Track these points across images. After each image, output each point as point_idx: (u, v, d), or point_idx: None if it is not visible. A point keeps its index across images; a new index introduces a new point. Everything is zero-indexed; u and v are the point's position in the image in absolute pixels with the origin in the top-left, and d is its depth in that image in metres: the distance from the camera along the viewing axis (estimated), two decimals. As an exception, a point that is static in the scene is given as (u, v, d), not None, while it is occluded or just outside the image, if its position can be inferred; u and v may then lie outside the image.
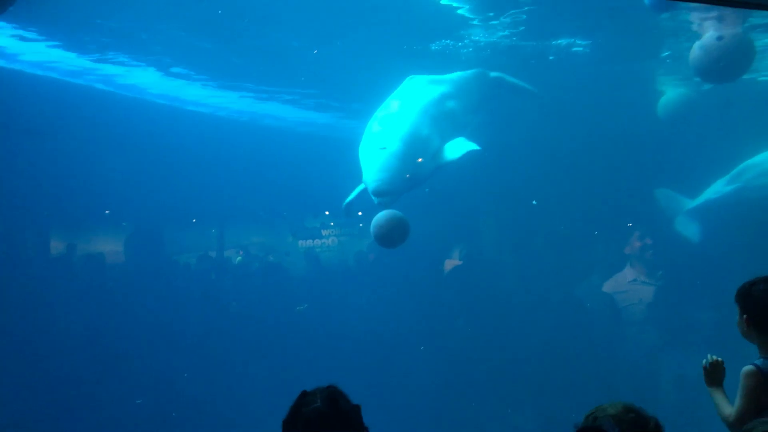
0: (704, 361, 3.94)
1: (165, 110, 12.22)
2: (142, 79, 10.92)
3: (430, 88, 9.26)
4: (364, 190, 8.79)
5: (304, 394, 2.76)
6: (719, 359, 3.91)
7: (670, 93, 10.79)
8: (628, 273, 10.49)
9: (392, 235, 8.17)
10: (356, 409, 2.78)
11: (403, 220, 8.22)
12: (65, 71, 10.36)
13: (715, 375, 3.92)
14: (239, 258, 13.15)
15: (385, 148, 8.34)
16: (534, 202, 10.65)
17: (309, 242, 13.40)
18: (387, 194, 8.17)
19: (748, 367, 3.75)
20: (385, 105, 9.05)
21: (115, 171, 10.44)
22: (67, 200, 10.24)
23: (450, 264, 11.17)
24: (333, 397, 2.74)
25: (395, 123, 8.65)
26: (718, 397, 3.90)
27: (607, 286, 10.51)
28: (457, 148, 8.69)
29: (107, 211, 11.09)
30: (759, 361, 3.76)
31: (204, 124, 12.80)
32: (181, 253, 12.52)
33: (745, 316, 3.90)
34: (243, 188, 11.85)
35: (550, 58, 9.94)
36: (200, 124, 12.67)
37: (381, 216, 8.17)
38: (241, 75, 10.98)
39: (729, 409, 3.81)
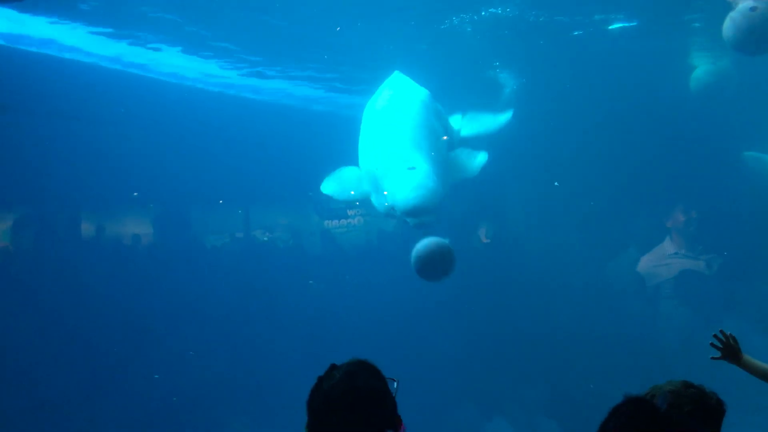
0: (716, 340, 3.92)
1: (194, 92, 12.27)
2: (172, 60, 10.98)
3: (422, 90, 9.08)
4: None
5: (331, 368, 2.63)
6: (728, 333, 3.90)
7: (703, 67, 10.60)
8: (668, 246, 10.38)
9: (437, 269, 7.77)
10: (380, 386, 2.59)
11: (448, 250, 7.80)
12: (96, 55, 10.44)
13: (732, 349, 3.89)
14: (266, 239, 13.23)
15: (414, 168, 8.01)
16: (556, 183, 10.53)
17: (335, 222, 13.44)
18: (426, 213, 7.81)
19: None
20: (386, 110, 8.79)
21: (145, 153, 10.53)
22: (98, 183, 10.36)
23: (479, 241, 11.16)
24: (353, 371, 2.59)
25: (411, 136, 8.32)
26: (757, 365, 3.86)
27: (646, 259, 10.39)
28: (472, 160, 8.67)
29: (135, 194, 11.20)
30: None
31: (230, 104, 12.84)
32: (209, 234, 12.63)
33: None
34: (270, 169, 11.88)
35: (575, 33, 9.82)
36: (226, 106, 12.70)
37: (424, 247, 7.73)
38: (270, 56, 10.97)
39: None
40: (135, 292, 10.19)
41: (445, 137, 9.12)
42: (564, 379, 9.05)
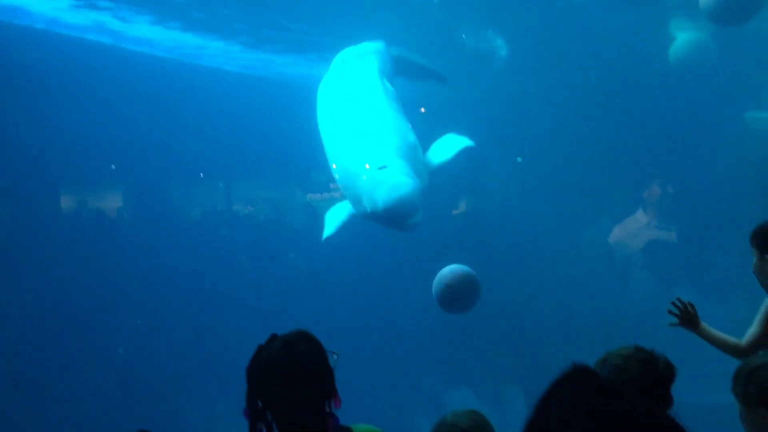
0: (674, 307, 3.97)
1: (171, 63, 12.15)
2: (149, 33, 10.84)
3: (372, 65, 8.50)
4: (354, 216, 7.91)
5: (271, 338, 2.65)
6: (687, 301, 3.96)
7: (682, 38, 10.56)
8: (640, 217, 10.44)
9: (463, 301, 6.93)
10: (318, 357, 2.61)
11: (473, 279, 6.93)
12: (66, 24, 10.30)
13: (689, 316, 3.96)
14: (247, 212, 13.21)
15: (386, 167, 7.19)
16: (519, 159, 10.43)
17: (317, 196, 13.39)
18: (411, 215, 7.02)
19: None
20: (340, 99, 8.17)
21: (123, 126, 10.44)
22: (77, 155, 10.28)
23: (456, 213, 11.16)
24: (292, 341, 2.60)
25: (376, 128, 7.60)
26: (712, 333, 3.93)
27: (618, 230, 10.43)
28: (453, 145, 7.97)
29: (113, 166, 11.13)
30: None
31: (211, 77, 12.74)
32: (190, 207, 12.60)
33: (767, 256, 3.90)
34: (251, 142, 11.81)
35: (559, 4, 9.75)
36: (209, 78, 12.60)
37: (449, 276, 6.82)
38: (251, 25, 10.83)
39: (733, 338, 3.84)
40: (114, 266, 10.17)
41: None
42: (531, 349, 9.12)
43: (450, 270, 6.94)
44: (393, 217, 7.08)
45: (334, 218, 8.25)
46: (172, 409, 9.54)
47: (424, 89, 10.32)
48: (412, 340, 9.94)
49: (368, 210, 7.29)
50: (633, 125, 10.42)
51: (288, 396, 2.53)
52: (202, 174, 12.80)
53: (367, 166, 7.35)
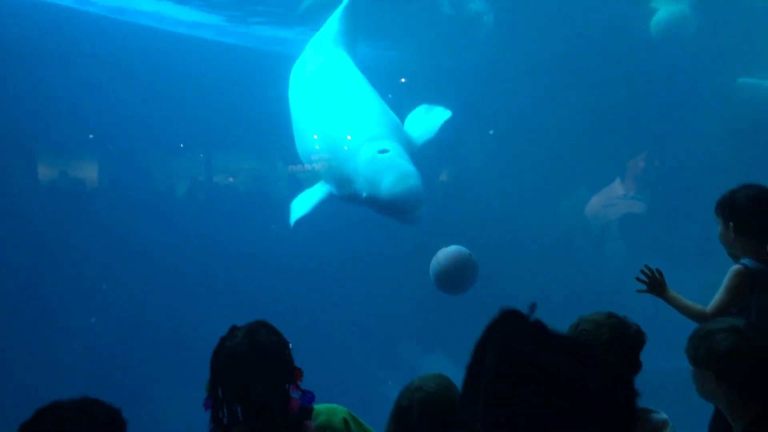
0: (642, 274, 4.06)
1: (152, 32, 11.97)
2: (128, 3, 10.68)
3: (342, 45, 8.33)
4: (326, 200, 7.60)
5: (232, 329, 2.79)
6: (654, 268, 4.04)
7: (664, 10, 10.59)
8: (617, 187, 10.51)
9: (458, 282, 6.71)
10: (279, 342, 2.76)
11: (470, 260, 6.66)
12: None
13: (657, 282, 4.04)
14: (228, 183, 13.12)
15: (388, 151, 6.88)
16: (491, 131, 10.41)
17: (299, 167, 13.30)
18: (418, 206, 6.76)
19: (736, 266, 3.87)
20: (324, 79, 7.89)
21: (101, 94, 10.29)
22: (53, 125, 10.14)
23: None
24: (254, 329, 2.74)
25: (368, 110, 7.36)
26: (678, 299, 4.02)
27: (595, 200, 10.52)
28: (432, 118, 7.77)
29: (91, 136, 10.99)
30: (746, 260, 3.87)
31: (191, 46, 12.56)
32: (170, 179, 12.48)
33: (731, 224, 3.98)
34: (232, 113, 11.70)
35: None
36: (188, 47, 12.43)
37: (449, 258, 6.51)
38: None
39: (698, 306, 3.93)
40: (91, 237, 10.08)
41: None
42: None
43: (449, 252, 6.72)
44: (398, 209, 6.80)
45: (305, 201, 7.80)
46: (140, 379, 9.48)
47: (399, 59, 10.28)
48: (389, 306, 10.00)
49: (363, 195, 6.97)
50: (613, 97, 10.47)
51: (253, 383, 2.65)
52: (182, 144, 12.69)
53: (348, 140, 7.20)
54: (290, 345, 2.81)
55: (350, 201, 7.44)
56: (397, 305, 10.02)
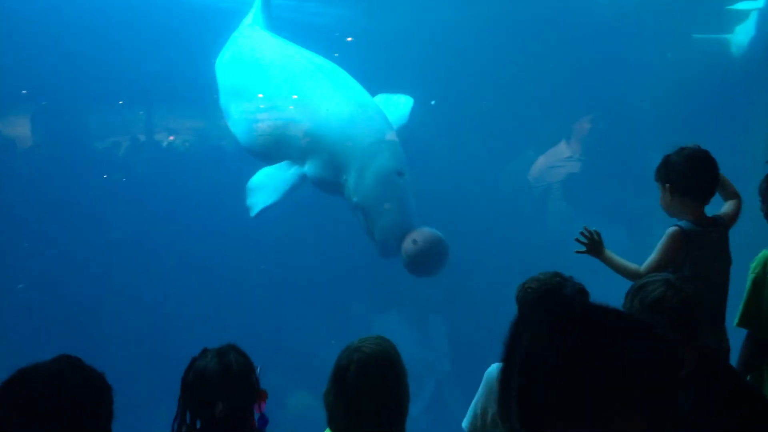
0: (581, 236, 4.19)
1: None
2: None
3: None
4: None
5: (203, 351, 3.04)
6: (593, 229, 4.18)
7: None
8: (563, 149, 10.60)
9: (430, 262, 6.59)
10: (247, 367, 3.01)
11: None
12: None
13: (595, 243, 4.18)
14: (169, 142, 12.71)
15: (404, 174, 6.51)
16: (432, 102, 10.30)
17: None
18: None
19: (672, 227, 4.00)
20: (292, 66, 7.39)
21: (33, 47, 9.79)
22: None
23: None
24: (222, 351, 3.01)
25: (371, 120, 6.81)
26: (615, 259, 4.16)
27: (541, 161, 10.57)
28: (398, 107, 7.50)
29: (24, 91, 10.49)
30: (682, 223, 4.01)
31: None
32: (108, 137, 12.01)
33: (667, 185, 4.10)
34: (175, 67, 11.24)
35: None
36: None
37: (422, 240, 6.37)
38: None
39: (634, 265, 4.08)
40: (23, 195, 9.67)
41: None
42: (455, 276, 9.36)
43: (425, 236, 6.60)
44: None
45: (272, 186, 6.96)
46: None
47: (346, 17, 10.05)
48: (342, 267, 9.99)
49: (354, 200, 6.49)
50: (560, 59, 10.53)
51: (217, 401, 2.90)
52: (121, 102, 12.21)
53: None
54: (258, 369, 3.05)
55: (326, 189, 6.90)
56: (349, 266, 9.98)
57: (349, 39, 10.57)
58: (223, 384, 2.91)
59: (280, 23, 9.15)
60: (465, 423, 3.34)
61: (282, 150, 7.19)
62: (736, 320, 4.05)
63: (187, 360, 3.06)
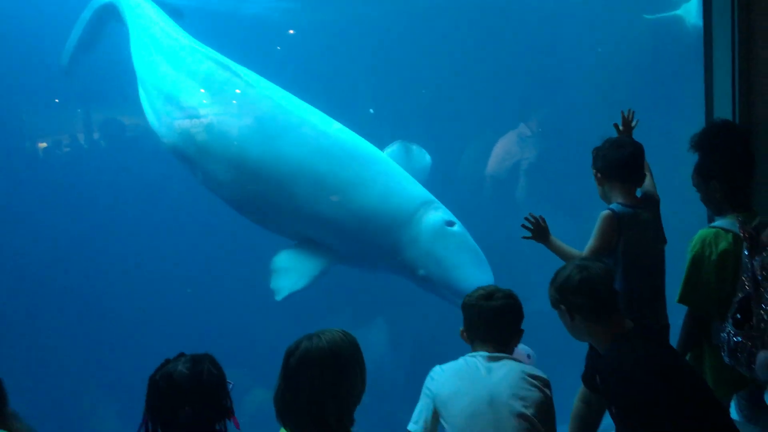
0: (527, 221, 4.30)
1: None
2: None
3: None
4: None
5: (179, 355, 2.96)
6: (538, 215, 4.30)
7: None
8: (509, 140, 10.51)
9: None
10: (219, 379, 2.92)
11: None
12: None
13: (541, 229, 4.30)
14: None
15: (452, 222, 6.18)
16: (371, 110, 10.15)
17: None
18: None
19: (604, 211, 4.13)
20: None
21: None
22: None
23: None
24: (196, 359, 2.92)
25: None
26: (560, 246, 4.27)
27: (496, 147, 10.58)
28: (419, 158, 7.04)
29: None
30: (613, 205, 4.14)
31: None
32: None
33: (598, 173, 4.25)
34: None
35: None
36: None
37: None
38: None
39: (576, 251, 4.20)
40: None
41: None
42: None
43: None
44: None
45: (300, 270, 6.25)
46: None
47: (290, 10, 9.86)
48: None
49: (420, 273, 5.99)
50: (513, 45, 10.51)
51: (183, 407, 2.80)
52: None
53: None
54: (231, 386, 2.96)
55: (371, 269, 6.47)
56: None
57: (291, 32, 10.44)
58: (191, 391, 2.82)
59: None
60: (411, 426, 3.36)
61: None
62: (676, 297, 4.19)
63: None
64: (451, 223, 6.27)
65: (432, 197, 6.54)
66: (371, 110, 9.65)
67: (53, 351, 9.13)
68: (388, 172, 6.41)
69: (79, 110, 11.10)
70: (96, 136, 11.20)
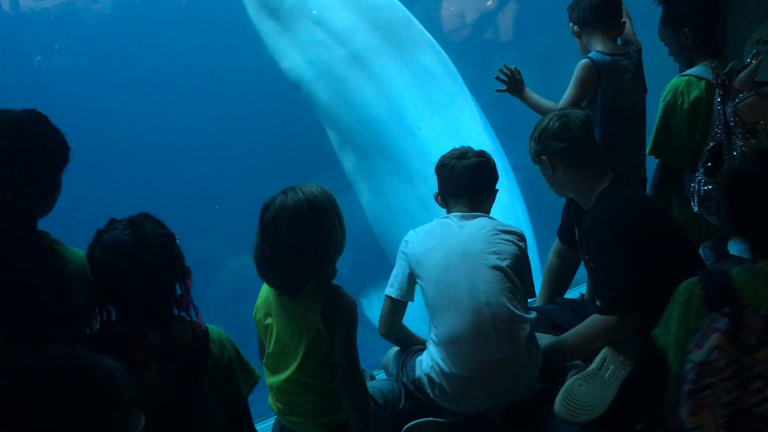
0: (501, 74, 4.14)
1: None
2: None
3: None
4: None
5: (111, 221, 2.48)
6: (513, 67, 4.15)
7: None
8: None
9: None
10: (167, 238, 2.48)
11: None
12: None
13: (516, 82, 4.16)
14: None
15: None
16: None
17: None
18: None
19: (583, 60, 4.07)
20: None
21: None
22: None
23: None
24: (135, 221, 2.45)
25: None
26: (534, 98, 4.16)
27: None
28: None
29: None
30: (592, 53, 4.02)
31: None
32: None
33: (576, 27, 4.15)
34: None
35: None
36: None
37: None
38: None
39: (552, 103, 4.09)
40: None
41: None
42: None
43: None
44: None
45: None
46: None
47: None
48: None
49: None
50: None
51: (135, 277, 2.39)
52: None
53: None
54: (177, 240, 2.53)
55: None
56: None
57: None
58: (141, 261, 2.38)
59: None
60: (389, 290, 3.35)
61: None
62: (648, 148, 4.16)
63: None
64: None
65: None
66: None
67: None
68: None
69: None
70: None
